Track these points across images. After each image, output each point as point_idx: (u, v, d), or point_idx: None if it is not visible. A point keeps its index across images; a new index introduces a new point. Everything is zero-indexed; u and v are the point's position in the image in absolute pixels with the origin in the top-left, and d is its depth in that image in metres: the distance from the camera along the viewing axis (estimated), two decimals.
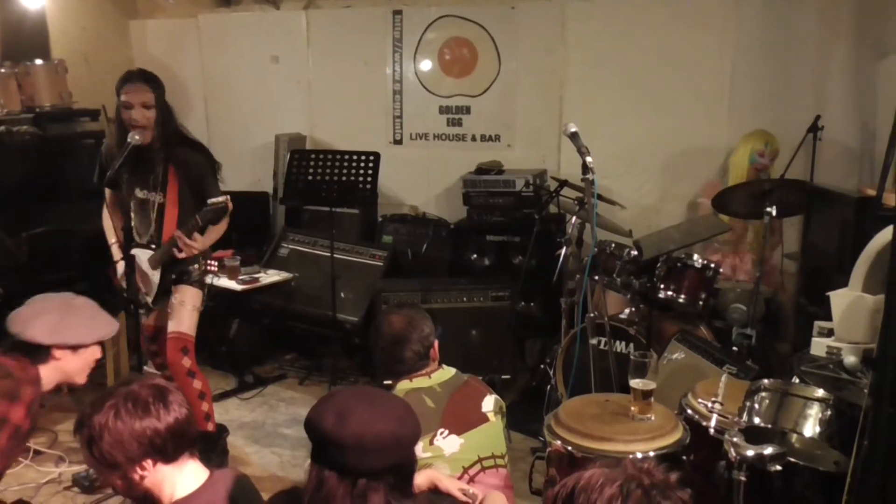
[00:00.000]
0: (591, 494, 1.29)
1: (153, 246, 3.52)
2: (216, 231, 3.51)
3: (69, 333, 2.50)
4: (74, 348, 2.52)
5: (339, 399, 1.69)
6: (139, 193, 3.50)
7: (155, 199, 3.49)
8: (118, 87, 3.38)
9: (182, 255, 3.38)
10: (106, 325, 2.64)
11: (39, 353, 2.45)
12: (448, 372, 2.57)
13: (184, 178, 3.45)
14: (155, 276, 3.52)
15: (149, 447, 1.79)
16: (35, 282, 4.43)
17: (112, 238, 3.64)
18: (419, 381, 2.49)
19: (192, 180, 3.45)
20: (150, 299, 3.57)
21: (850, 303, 2.27)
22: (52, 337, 2.46)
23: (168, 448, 1.82)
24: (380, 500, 1.61)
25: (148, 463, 1.81)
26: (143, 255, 3.52)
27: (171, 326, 3.52)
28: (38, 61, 5.05)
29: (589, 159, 3.02)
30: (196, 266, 3.58)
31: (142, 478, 1.82)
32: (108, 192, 3.61)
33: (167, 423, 1.81)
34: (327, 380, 4.69)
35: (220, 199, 3.23)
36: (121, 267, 3.54)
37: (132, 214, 3.56)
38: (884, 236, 2.17)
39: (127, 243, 3.39)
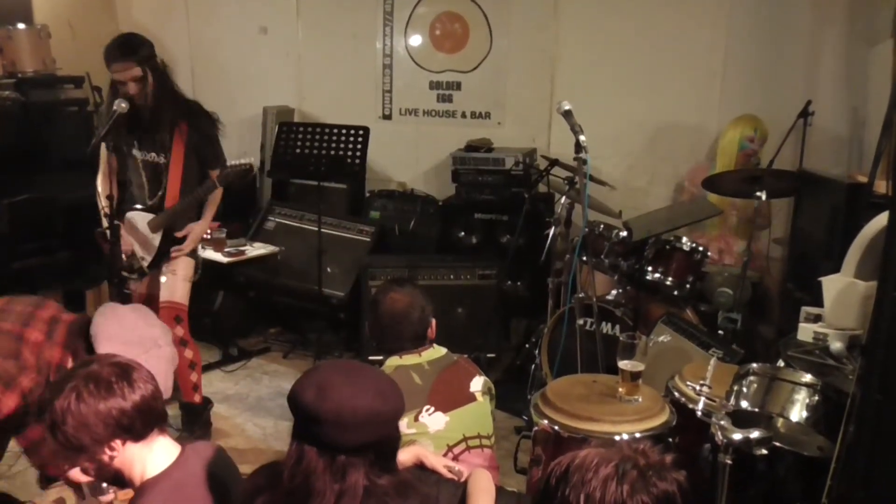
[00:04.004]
0: (585, 474, 1.28)
1: (147, 204, 3.50)
2: (211, 210, 3.55)
3: None
4: None
5: (321, 373, 1.66)
6: (143, 155, 3.47)
7: (159, 161, 3.46)
8: (106, 63, 3.33)
9: (181, 235, 3.46)
10: None
11: None
12: (439, 351, 2.56)
13: (190, 141, 3.44)
14: (155, 239, 3.49)
15: (116, 427, 1.74)
16: (16, 251, 4.38)
17: (103, 202, 3.59)
18: (409, 359, 2.48)
19: (197, 144, 3.45)
20: (146, 264, 3.54)
21: (842, 288, 2.27)
22: None
23: (136, 426, 1.77)
24: (359, 476, 1.59)
25: (117, 443, 1.77)
26: (140, 218, 3.48)
27: (165, 296, 3.51)
28: (21, 26, 4.93)
29: (582, 138, 3.00)
30: None
31: (111, 458, 1.78)
32: (104, 152, 3.50)
33: (133, 402, 1.76)
34: (312, 354, 4.69)
35: (246, 160, 3.23)
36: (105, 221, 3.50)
37: (131, 177, 3.52)
38: (878, 222, 2.16)
39: (118, 210, 3.35)
